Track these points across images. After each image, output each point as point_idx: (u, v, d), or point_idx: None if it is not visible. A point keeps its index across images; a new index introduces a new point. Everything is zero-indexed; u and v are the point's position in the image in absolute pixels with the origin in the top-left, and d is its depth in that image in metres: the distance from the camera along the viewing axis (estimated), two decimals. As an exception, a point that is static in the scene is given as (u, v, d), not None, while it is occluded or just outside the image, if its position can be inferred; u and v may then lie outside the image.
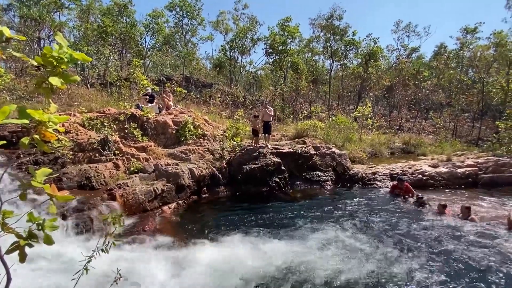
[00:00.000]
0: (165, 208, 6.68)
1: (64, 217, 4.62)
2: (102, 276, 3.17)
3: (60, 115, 1.27)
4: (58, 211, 4.78)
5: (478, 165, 9.87)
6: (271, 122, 9.36)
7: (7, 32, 1.24)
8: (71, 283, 1.75)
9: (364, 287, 3.89)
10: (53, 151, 6.50)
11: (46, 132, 1.33)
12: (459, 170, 9.65)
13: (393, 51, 31.11)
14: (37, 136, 1.32)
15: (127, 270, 3.82)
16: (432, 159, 11.27)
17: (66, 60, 1.33)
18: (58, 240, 4.23)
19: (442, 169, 9.69)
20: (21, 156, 6.33)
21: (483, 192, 8.64)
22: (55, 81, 1.31)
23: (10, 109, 1.15)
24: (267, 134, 9.40)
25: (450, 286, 3.94)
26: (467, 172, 9.60)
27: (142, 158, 7.64)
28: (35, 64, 1.33)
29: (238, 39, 24.80)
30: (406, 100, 22.72)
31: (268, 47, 24.21)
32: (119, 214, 1.91)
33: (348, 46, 24.63)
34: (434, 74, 25.61)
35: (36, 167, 6.25)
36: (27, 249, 1.32)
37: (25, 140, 1.25)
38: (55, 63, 1.32)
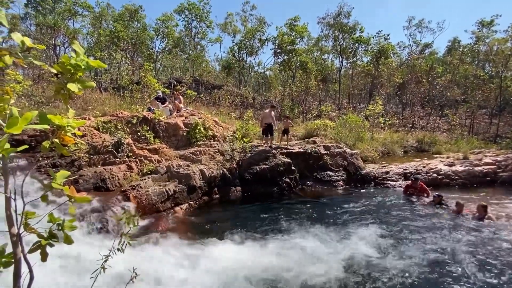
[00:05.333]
0: (177, 208, 6.78)
1: (81, 218, 4.78)
2: (117, 275, 3.26)
3: (77, 119, 1.34)
4: (77, 212, 4.95)
5: (496, 163, 9.53)
6: (273, 123, 9.21)
7: (28, 41, 1.31)
8: (88, 281, 1.81)
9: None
10: (70, 154, 6.73)
11: (65, 136, 1.40)
12: (476, 168, 9.34)
13: (405, 48, 30.42)
14: (56, 140, 1.39)
15: (142, 269, 3.91)
16: (447, 157, 10.95)
17: (83, 67, 1.39)
18: (75, 240, 4.37)
19: (459, 168, 9.41)
20: (40, 159, 6.59)
21: (502, 190, 8.33)
22: (73, 87, 1.37)
23: (32, 115, 1.22)
24: (270, 135, 9.34)
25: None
26: (485, 170, 9.28)
27: (155, 160, 7.79)
28: (54, 71, 1.39)
29: (247, 40, 24.91)
30: (419, 97, 22.14)
31: (276, 47, 24.17)
32: (133, 214, 1.97)
33: (357, 44, 24.31)
34: (448, 70, 24.86)
35: (54, 169, 6.49)
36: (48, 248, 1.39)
37: (46, 144, 1.32)
38: (72, 70, 1.38)
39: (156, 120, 8.90)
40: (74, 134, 1.39)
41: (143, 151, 7.90)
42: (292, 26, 22.92)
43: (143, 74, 13.94)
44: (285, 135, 9.85)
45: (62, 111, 11.96)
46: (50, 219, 1.45)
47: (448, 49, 30.10)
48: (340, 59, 25.71)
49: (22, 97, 11.52)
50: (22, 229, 1.32)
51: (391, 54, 24.98)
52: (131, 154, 7.57)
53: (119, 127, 8.11)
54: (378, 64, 22.79)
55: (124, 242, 1.88)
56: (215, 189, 7.89)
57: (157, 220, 5.98)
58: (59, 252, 3.52)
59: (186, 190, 7.08)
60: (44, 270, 3.17)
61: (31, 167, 5.92)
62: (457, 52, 25.23)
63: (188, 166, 7.69)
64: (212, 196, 7.77)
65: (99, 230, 4.71)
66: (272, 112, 9.42)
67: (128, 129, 8.27)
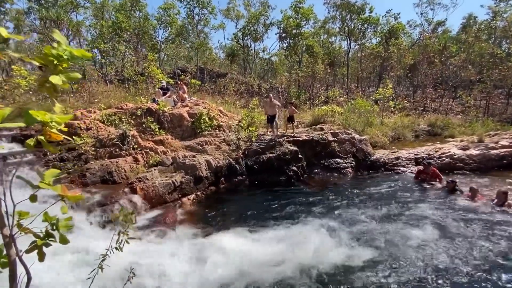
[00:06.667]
0: (185, 199, 6.80)
1: (89, 212, 4.83)
2: (125, 268, 3.28)
3: (64, 114, 1.24)
4: (84, 206, 5.01)
5: (514, 146, 9.12)
6: (277, 113, 9.12)
7: (4, 32, 1.19)
8: (97, 276, 1.76)
9: (389, 277, 3.74)
10: (57, 152, 6.76)
11: (51, 133, 1.30)
12: (492, 151, 8.97)
13: (416, 27, 29.04)
14: (42, 137, 1.29)
15: (149, 261, 3.93)
16: (461, 140, 10.57)
17: (65, 57, 1.27)
18: (84, 233, 4.41)
19: (473, 151, 9.05)
20: (48, 154, 6.66)
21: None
22: (56, 79, 1.25)
23: (4, 113, 1.12)
24: (274, 123, 9.24)
25: (482, 280, 3.69)
26: (501, 153, 8.89)
27: (160, 151, 7.78)
28: (37, 64, 1.28)
29: (250, 25, 24.27)
30: (431, 79, 21.27)
31: (281, 31, 23.50)
32: (130, 211, 1.90)
33: (365, 25, 23.35)
34: (462, 49, 23.67)
35: (62, 163, 6.57)
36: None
37: (30, 141, 1.22)
38: (55, 62, 1.27)
39: (161, 111, 8.83)
40: (61, 131, 1.29)
41: (149, 143, 7.89)
42: (297, 8, 22.11)
43: (146, 64, 13.81)
44: (291, 123, 9.67)
45: (69, 104, 12.05)
46: (45, 218, 1.39)
47: (462, 27, 28.58)
48: (348, 41, 24.82)
49: (30, 92, 11.61)
50: (16, 229, 1.26)
51: (402, 34, 23.93)
52: (136, 146, 7.57)
53: (123, 120, 8.09)
54: (388, 45, 21.90)
55: (122, 240, 1.83)
56: (222, 179, 7.86)
57: (165, 211, 6.01)
58: (66, 246, 3.56)
59: (193, 181, 7.07)
60: (48, 264, 3.22)
61: (36, 163, 6.00)
62: (473, 29, 23.92)
63: (194, 156, 7.65)
64: (219, 186, 7.75)
65: (106, 224, 4.76)
66: (275, 101, 9.16)
67: (132, 121, 8.25)
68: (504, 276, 3.69)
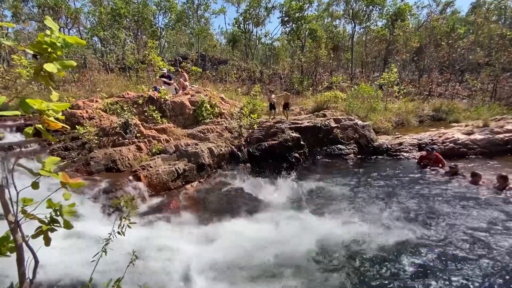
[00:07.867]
0: (188, 186, 6.89)
1: (94, 199, 4.95)
2: (130, 252, 3.39)
3: (60, 102, 1.25)
4: (90, 194, 5.12)
5: (520, 130, 8.97)
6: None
7: None
8: (102, 260, 1.83)
9: (391, 265, 3.82)
10: (56, 140, 6.84)
11: (49, 121, 1.31)
12: (497, 136, 8.84)
13: (423, 8, 28.04)
14: (40, 126, 1.30)
15: (154, 245, 4.05)
16: (466, 125, 10.42)
17: (59, 44, 1.26)
18: (91, 219, 4.52)
19: (478, 136, 8.94)
20: (52, 143, 6.75)
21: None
22: (50, 67, 1.25)
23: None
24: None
25: (484, 265, 3.74)
26: (506, 138, 8.77)
27: (163, 140, 7.83)
28: (31, 52, 1.28)
29: (252, 9, 23.67)
30: (437, 62, 20.73)
31: (284, 15, 22.91)
32: (130, 198, 1.95)
33: (370, 6, 22.61)
34: (471, 31, 22.89)
35: (66, 153, 6.66)
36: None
37: (29, 130, 1.24)
38: (49, 50, 1.26)
39: (162, 100, 8.80)
40: (58, 119, 1.31)
41: (151, 131, 7.93)
42: (300, -10, 21.45)
43: (146, 52, 13.65)
44: (286, 109, 10.00)
45: (71, 94, 12.06)
46: (49, 204, 1.42)
47: (472, 7, 27.56)
48: (353, 24, 24.14)
49: (32, 81, 11.59)
50: (21, 215, 1.30)
51: (408, 16, 23.15)
52: (139, 134, 7.62)
53: (125, 108, 8.10)
54: (393, 27, 21.26)
55: (123, 225, 1.88)
56: (224, 166, 7.92)
57: (169, 198, 6.12)
58: (72, 232, 3.68)
59: (196, 168, 7.14)
60: (57, 249, 3.34)
61: (41, 151, 6.09)
62: (482, 9, 23.03)
63: (196, 144, 7.69)
64: (222, 173, 7.82)
65: (112, 210, 4.88)
66: (273, 95, 10.20)
67: (134, 110, 8.25)
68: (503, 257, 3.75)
